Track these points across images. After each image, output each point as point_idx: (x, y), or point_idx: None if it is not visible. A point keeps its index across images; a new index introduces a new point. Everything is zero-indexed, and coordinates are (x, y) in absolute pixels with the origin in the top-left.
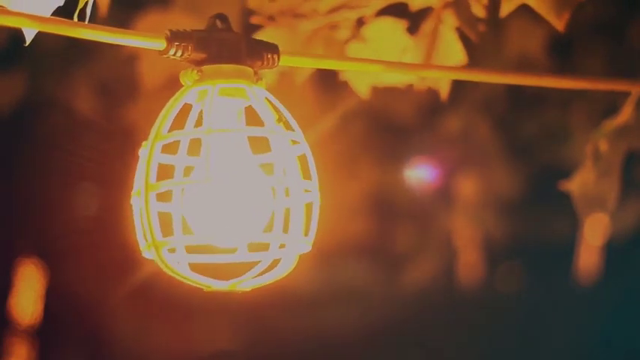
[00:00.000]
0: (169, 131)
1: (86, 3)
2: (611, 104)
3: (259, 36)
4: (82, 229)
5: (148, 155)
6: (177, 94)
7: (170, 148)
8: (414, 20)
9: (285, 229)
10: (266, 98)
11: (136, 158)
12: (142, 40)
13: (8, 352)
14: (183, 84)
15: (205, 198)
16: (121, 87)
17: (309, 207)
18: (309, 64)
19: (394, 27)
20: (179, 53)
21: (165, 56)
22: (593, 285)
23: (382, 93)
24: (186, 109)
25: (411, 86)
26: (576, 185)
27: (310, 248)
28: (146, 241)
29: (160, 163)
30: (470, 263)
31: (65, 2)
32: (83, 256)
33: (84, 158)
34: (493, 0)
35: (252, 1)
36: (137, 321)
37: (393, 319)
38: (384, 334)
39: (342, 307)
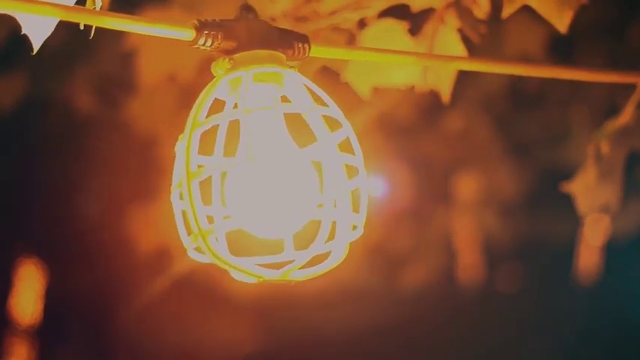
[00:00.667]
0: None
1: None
2: (612, 105)
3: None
4: (82, 229)
5: (187, 144)
6: (210, 84)
7: (205, 149)
8: (416, 21)
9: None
10: (304, 84)
11: (136, 157)
12: (169, 29)
13: (8, 352)
14: (214, 74)
15: (249, 182)
16: (121, 84)
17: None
18: (340, 54)
19: (396, 28)
20: (209, 42)
21: (194, 47)
22: (593, 285)
23: (384, 94)
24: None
25: (412, 88)
26: (578, 186)
27: (361, 233)
28: (191, 233)
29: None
30: (470, 263)
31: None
32: (83, 256)
33: (84, 157)
34: (495, 1)
35: (252, 2)
36: (137, 321)
37: (393, 319)
38: (384, 334)
39: (341, 307)
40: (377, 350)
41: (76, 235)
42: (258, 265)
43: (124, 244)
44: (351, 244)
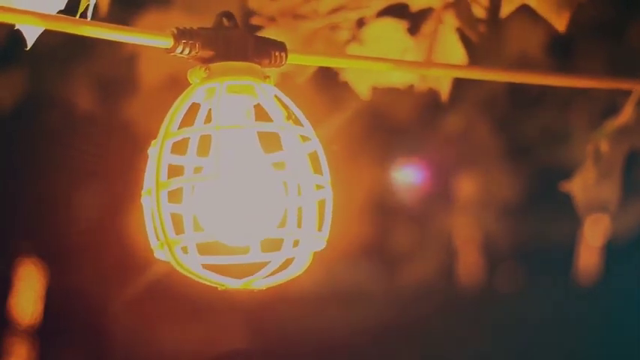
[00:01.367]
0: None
1: (87, 5)
2: (611, 104)
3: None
4: (82, 228)
5: (158, 154)
6: (185, 92)
7: (179, 149)
8: (415, 21)
9: (299, 226)
10: (275, 95)
11: (136, 156)
12: (147, 37)
13: (8, 352)
14: (190, 82)
15: (216, 195)
16: (121, 85)
17: (321, 204)
18: (316, 62)
19: (395, 28)
20: (186, 51)
21: (172, 54)
22: (593, 285)
23: (382, 93)
24: (193, 110)
25: (411, 87)
26: (577, 186)
27: (324, 244)
28: (158, 240)
29: (169, 165)
30: (470, 263)
31: (66, 5)
32: (83, 256)
33: (84, 157)
34: (493, 0)
35: (252, 2)
36: (137, 320)
37: (393, 318)
38: (384, 334)
39: (341, 307)
40: (377, 350)
41: (76, 235)
42: (226, 264)
43: (124, 244)
44: (314, 253)
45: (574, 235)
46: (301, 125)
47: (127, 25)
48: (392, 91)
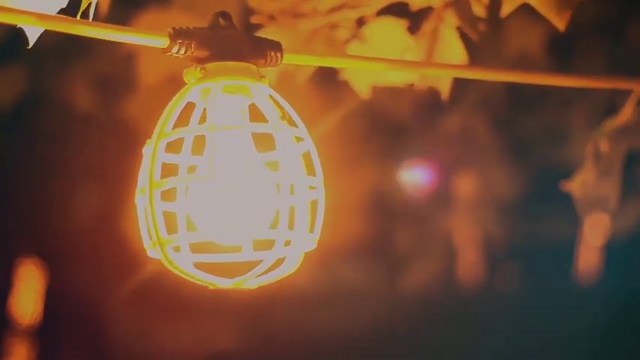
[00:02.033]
0: (173, 129)
1: (89, 4)
2: (611, 104)
3: (260, 35)
4: (82, 228)
5: (152, 153)
6: (181, 92)
7: (174, 147)
8: (415, 20)
9: (291, 227)
10: (270, 96)
11: (136, 156)
12: (144, 37)
13: (8, 352)
14: (186, 82)
15: (209, 195)
16: (121, 84)
17: (314, 204)
18: (312, 61)
19: (395, 26)
20: (182, 51)
21: (168, 54)
22: (593, 285)
23: (382, 92)
24: (189, 108)
25: (411, 86)
26: (577, 185)
27: (315, 245)
28: (151, 239)
29: (164, 163)
30: (470, 263)
31: (67, 4)
32: (83, 256)
33: (84, 157)
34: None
35: (252, 0)
36: (138, 320)
37: (393, 319)
38: (384, 334)
39: (341, 307)
40: (377, 350)
41: (76, 235)
42: (218, 264)
43: (124, 244)
44: (306, 253)
45: (574, 235)
46: (295, 125)
47: (127, 24)
48: (392, 90)
